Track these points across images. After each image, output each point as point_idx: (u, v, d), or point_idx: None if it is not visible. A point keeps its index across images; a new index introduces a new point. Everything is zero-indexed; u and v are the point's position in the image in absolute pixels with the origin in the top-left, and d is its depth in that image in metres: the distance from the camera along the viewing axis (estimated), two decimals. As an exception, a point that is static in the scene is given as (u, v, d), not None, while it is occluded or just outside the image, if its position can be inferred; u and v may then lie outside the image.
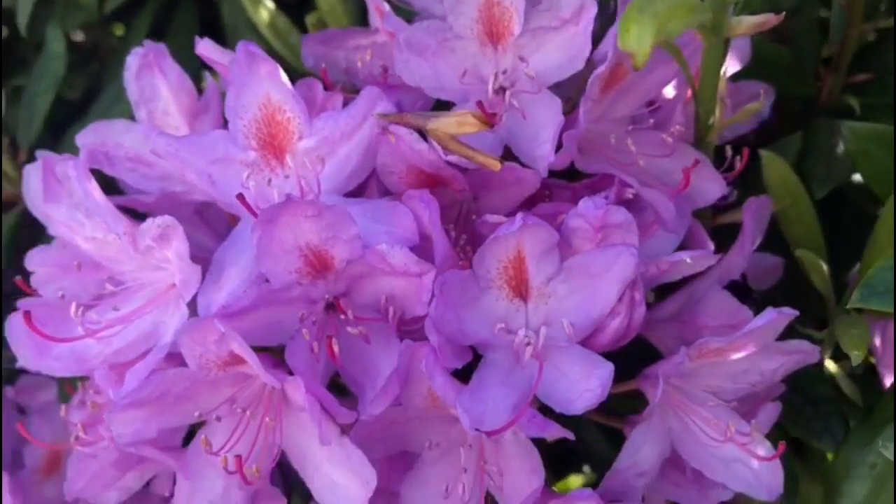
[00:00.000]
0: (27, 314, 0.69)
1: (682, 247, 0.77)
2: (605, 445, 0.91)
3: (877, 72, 0.99)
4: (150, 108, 0.78)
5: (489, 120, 0.65)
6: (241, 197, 0.65)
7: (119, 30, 1.39)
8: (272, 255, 0.65)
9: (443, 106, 0.76)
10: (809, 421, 0.86)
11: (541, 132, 0.69)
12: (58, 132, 1.17)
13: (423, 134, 0.69)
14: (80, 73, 1.33)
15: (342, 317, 0.68)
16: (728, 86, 0.81)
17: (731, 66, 0.82)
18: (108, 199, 0.76)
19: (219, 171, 0.70)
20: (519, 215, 0.64)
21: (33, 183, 0.73)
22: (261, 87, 0.70)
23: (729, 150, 0.78)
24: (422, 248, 0.68)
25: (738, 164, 0.77)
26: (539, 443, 0.69)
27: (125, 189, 0.83)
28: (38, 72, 1.12)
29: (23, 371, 1.08)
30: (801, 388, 0.87)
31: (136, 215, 0.84)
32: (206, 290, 0.67)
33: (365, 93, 0.70)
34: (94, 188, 0.66)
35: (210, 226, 0.84)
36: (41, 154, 0.73)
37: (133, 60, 0.77)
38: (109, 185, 0.82)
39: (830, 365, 0.89)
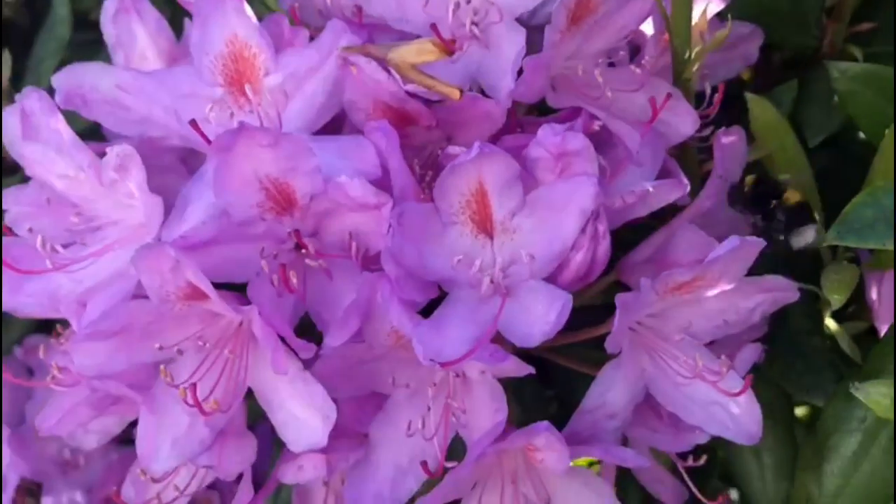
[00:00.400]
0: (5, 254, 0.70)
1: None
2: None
3: (880, 21, 0.96)
4: (128, 52, 0.79)
5: (448, 47, 0.64)
6: (193, 122, 0.65)
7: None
8: (230, 186, 0.65)
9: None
10: (801, 376, 0.84)
11: (503, 63, 0.68)
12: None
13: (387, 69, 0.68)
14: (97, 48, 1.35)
15: (303, 251, 0.67)
16: (711, 23, 0.79)
17: (713, 3, 0.80)
18: (86, 144, 0.77)
19: (185, 107, 0.70)
20: (476, 144, 0.63)
21: (12, 125, 0.74)
22: (227, 22, 0.70)
23: (708, 89, 0.76)
24: (387, 183, 0.68)
25: (716, 101, 0.75)
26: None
27: (108, 137, 0.84)
28: (43, 36, 1.14)
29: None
30: (793, 341, 0.85)
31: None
32: (170, 225, 0.68)
33: (329, 26, 0.70)
34: (59, 121, 0.67)
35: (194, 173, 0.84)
36: (22, 95, 0.74)
37: (110, 4, 0.78)
38: (93, 132, 0.83)
39: (831, 323, 0.87)
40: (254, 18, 0.70)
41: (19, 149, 0.73)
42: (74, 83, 0.76)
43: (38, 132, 0.69)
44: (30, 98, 0.68)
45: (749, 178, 0.72)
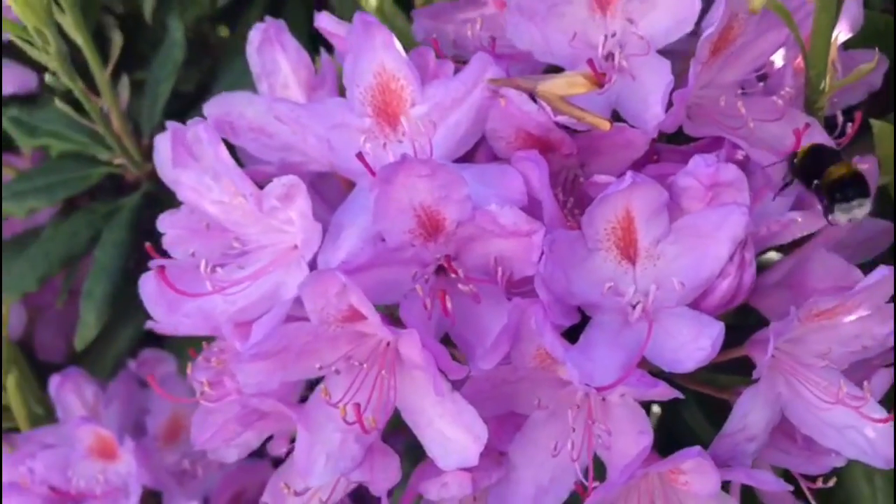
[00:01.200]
0: (161, 269, 0.73)
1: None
2: (708, 431, 0.90)
3: None
4: (272, 81, 0.82)
5: (599, 80, 0.66)
6: (360, 156, 0.68)
7: (225, 32, 1.45)
8: (388, 214, 0.67)
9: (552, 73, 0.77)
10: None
11: (650, 94, 0.70)
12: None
13: (533, 98, 0.71)
14: (193, 68, 1.39)
15: (453, 276, 0.70)
16: (839, 53, 0.81)
17: (842, 33, 0.81)
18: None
19: (337, 137, 0.73)
20: (629, 173, 0.65)
21: (163, 150, 0.78)
22: (376, 55, 0.73)
23: (840, 118, 0.77)
24: (529, 211, 0.70)
25: (850, 131, 0.76)
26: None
27: (244, 162, 0.88)
28: (159, 59, 1.19)
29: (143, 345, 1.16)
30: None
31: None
32: (326, 250, 0.71)
33: (475, 59, 0.72)
34: (224, 150, 0.70)
35: (324, 198, 0.87)
36: (171, 124, 0.78)
37: (255, 35, 0.81)
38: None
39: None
40: (402, 52, 0.73)
41: (172, 174, 0.77)
42: (223, 111, 0.79)
43: (201, 160, 0.73)
44: (197, 128, 0.71)
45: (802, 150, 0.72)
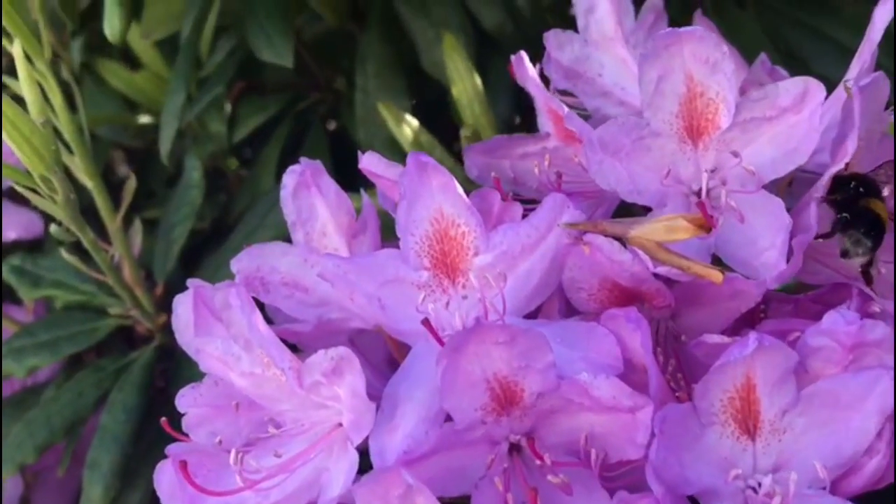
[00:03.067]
0: (183, 464, 0.61)
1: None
2: None
3: None
4: (308, 228, 0.71)
5: (708, 223, 0.56)
6: (426, 322, 0.57)
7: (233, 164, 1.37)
8: (458, 389, 0.56)
9: (626, 212, 0.67)
10: None
11: (761, 237, 0.59)
12: (188, 264, 1.13)
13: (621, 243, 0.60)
14: (209, 203, 1.30)
15: (538, 462, 0.58)
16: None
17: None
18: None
19: (390, 294, 0.62)
20: (752, 335, 0.54)
21: (183, 314, 0.67)
22: (433, 200, 0.63)
23: None
24: (624, 378, 0.58)
25: None
26: None
27: (273, 318, 0.76)
28: (175, 201, 1.10)
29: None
30: None
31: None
32: (379, 432, 0.58)
33: (549, 200, 0.62)
34: (259, 318, 0.59)
35: (364, 355, 0.76)
36: (193, 283, 0.67)
37: (290, 179, 0.71)
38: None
39: None
40: (463, 194, 0.63)
41: (193, 342, 0.66)
42: (254, 266, 0.69)
43: (231, 327, 0.62)
44: (228, 292, 0.60)
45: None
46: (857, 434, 0.55)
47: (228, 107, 1.32)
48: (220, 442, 0.62)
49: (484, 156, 0.75)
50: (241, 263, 0.68)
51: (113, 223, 1.00)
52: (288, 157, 1.26)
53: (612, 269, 0.60)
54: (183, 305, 0.68)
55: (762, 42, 1.00)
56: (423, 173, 0.63)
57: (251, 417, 0.64)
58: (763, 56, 0.78)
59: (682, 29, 0.58)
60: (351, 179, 0.80)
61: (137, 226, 1.06)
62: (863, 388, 0.55)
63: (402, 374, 0.61)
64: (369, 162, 0.68)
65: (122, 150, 1.52)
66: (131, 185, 1.00)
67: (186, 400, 0.66)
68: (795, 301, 0.64)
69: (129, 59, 1.34)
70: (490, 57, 1.09)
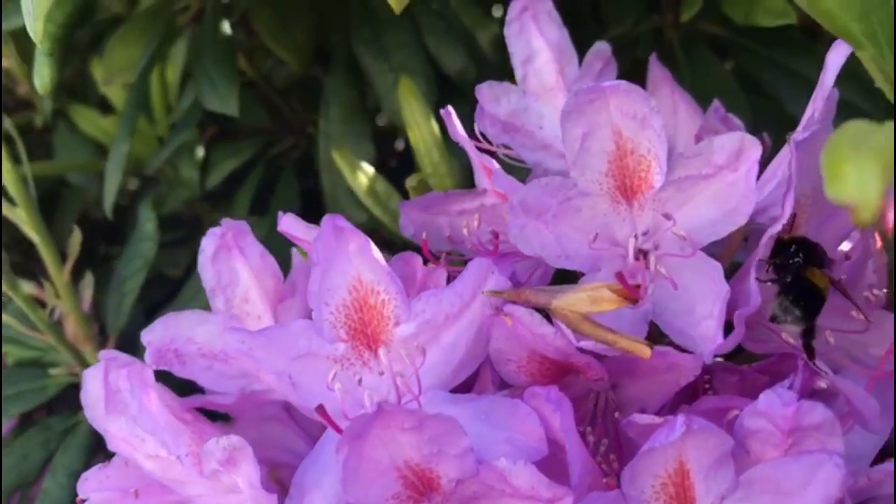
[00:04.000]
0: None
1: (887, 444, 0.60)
2: None
3: None
4: (228, 294, 0.67)
5: (632, 294, 0.51)
6: (320, 409, 0.52)
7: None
8: (363, 479, 0.51)
9: (566, 277, 0.63)
10: None
11: (698, 305, 0.54)
12: (153, 314, 1.10)
13: (546, 313, 0.56)
14: (183, 250, 1.27)
15: (456, 554, 0.53)
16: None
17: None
18: (184, 402, 0.65)
19: (301, 370, 0.58)
20: (680, 418, 0.49)
21: (93, 390, 0.63)
22: (350, 265, 0.59)
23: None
24: (552, 459, 0.53)
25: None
26: None
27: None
28: (128, 253, 1.06)
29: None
30: None
31: (217, 417, 0.73)
32: (286, 523, 0.54)
33: (473, 266, 0.58)
34: (152, 400, 0.55)
35: (301, 425, 0.71)
36: (107, 355, 0.63)
37: (209, 242, 0.67)
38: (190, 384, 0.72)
39: None
40: (381, 259, 0.58)
41: (102, 422, 0.62)
42: (167, 338, 0.65)
43: (128, 407, 0.57)
44: (117, 370, 0.56)
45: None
46: (800, 525, 0.50)
47: (202, 152, 1.29)
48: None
49: (421, 212, 0.71)
50: (153, 335, 0.64)
51: (60, 277, 0.97)
52: (260, 203, 1.23)
53: (535, 342, 0.55)
54: (93, 380, 0.63)
55: (730, 83, 0.95)
56: (340, 237, 0.59)
57: (161, 502, 0.60)
58: (716, 103, 0.73)
59: (606, 83, 0.54)
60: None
61: (88, 279, 1.03)
62: (804, 475, 0.49)
63: (311, 459, 0.57)
64: (287, 224, 0.64)
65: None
66: (76, 238, 0.97)
67: (89, 484, 0.61)
68: (741, 373, 0.59)
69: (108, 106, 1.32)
70: (453, 103, 1.06)
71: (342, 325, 0.59)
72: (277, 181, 1.26)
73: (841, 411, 0.57)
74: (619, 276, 0.52)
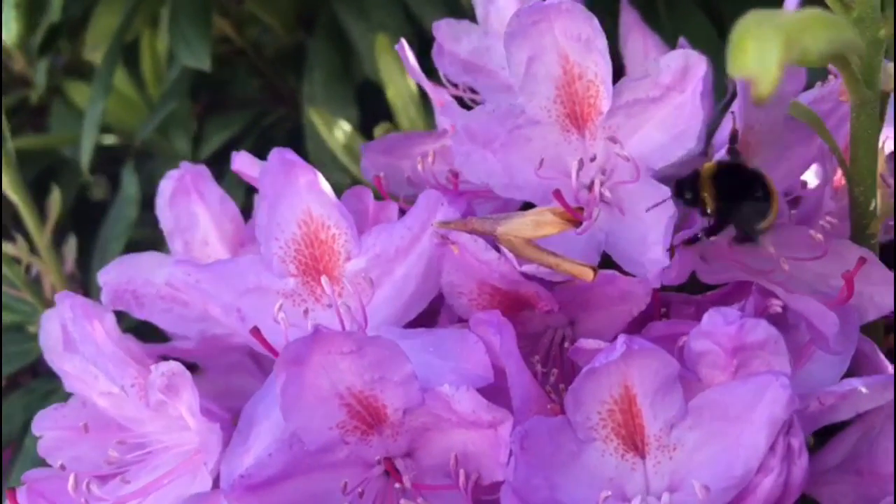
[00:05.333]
0: (34, 491, 0.57)
1: (850, 373, 0.58)
2: None
3: None
4: (187, 237, 0.67)
5: (574, 216, 0.50)
6: (255, 331, 0.52)
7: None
8: (303, 405, 0.50)
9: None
10: None
11: (649, 232, 0.53)
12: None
13: (496, 244, 0.55)
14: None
15: (397, 486, 0.52)
16: (889, 163, 0.64)
17: (889, 137, 0.64)
18: (146, 348, 0.65)
19: (251, 304, 0.58)
20: (621, 338, 0.48)
21: (52, 331, 0.63)
22: (300, 200, 0.58)
23: (903, 244, 0.60)
24: (501, 389, 0.53)
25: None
26: None
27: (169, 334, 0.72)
28: (112, 216, 1.06)
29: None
30: None
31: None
32: (232, 454, 0.54)
33: (422, 198, 0.57)
34: (96, 329, 0.55)
35: (267, 374, 0.71)
36: (61, 297, 0.63)
37: (166, 185, 0.67)
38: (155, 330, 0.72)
39: None
40: (331, 194, 0.58)
41: (59, 362, 0.61)
42: (124, 279, 0.64)
43: (76, 343, 0.57)
44: (62, 304, 0.56)
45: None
46: (747, 449, 0.49)
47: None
48: (63, 467, 0.58)
49: (383, 155, 0.70)
50: (108, 275, 0.64)
51: (41, 239, 0.97)
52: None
53: (481, 270, 0.54)
54: (51, 321, 0.63)
55: (710, 34, 0.94)
56: (289, 171, 0.58)
57: (108, 441, 0.60)
58: (682, 41, 0.72)
59: (549, 2, 0.53)
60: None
61: (72, 243, 1.03)
62: (750, 397, 0.48)
63: (262, 392, 0.56)
64: (241, 163, 0.63)
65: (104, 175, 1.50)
66: (55, 199, 0.97)
67: (45, 423, 0.61)
68: (697, 303, 0.58)
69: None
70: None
71: (292, 259, 0.58)
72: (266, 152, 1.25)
73: (802, 341, 0.56)
74: (556, 195, 0.51)
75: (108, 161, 1.37)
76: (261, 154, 1.28)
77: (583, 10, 0.52)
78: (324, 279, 0.56)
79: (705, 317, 0.49)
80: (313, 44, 1.14)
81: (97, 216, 1.32)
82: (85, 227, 1.13)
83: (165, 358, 0.67)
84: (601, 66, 0.54)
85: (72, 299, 0.55)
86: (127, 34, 1.10)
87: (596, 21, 0.52)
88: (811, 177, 0.61)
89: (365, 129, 1.06)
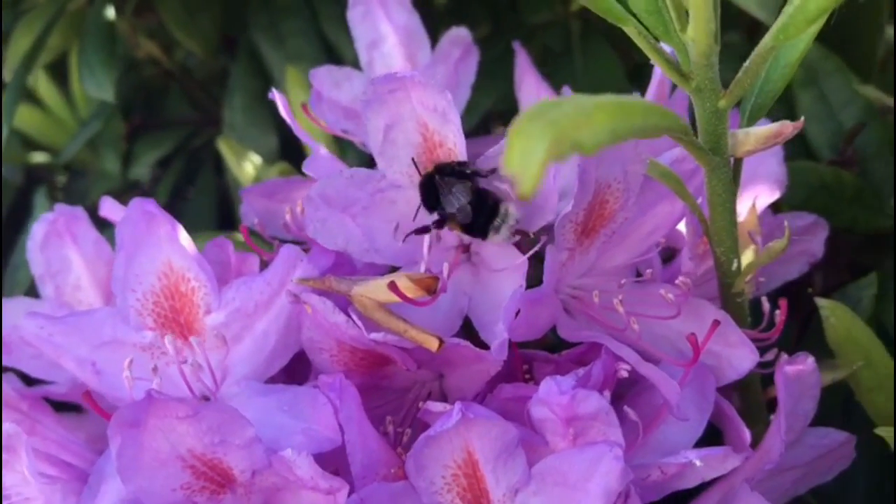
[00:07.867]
0: None
1: (713, 433, 0.58)
2: None
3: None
4: (59, 281, 0.66)
5: (428, 284, 0.50)
6: (86, 395, 0.51)
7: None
8: (143, 467, 0.50)
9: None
10: None
11: (497, 301, 0.53)
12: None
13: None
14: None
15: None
16: (766, 220, 0.65)
17: (762, 196, 0.65)
18: (28, 392, 0.64)
19: (106, 358, 0.57)
20: (457, 406, 0.48)
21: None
22: (159, 251, 0.57)
23: (766, 303, 0.60)
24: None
25: (778, 320, 0.59)
26: None
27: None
28: (22, 242, 1.04)
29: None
30: None
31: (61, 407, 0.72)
32: (78, 513, 0.53)
33: (282, 253, 0.56)
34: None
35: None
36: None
37: (39, 228, 0.66)
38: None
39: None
40: (191, 246, 0.57)
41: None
42: (-10, 325, 0.63)
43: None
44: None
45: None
46: (585, 518, 0.49)
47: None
48: None
49: (262, 199, 0.70)
50: (-27, 322, 0.63)
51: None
52: (180, 195, 1.22)
53: (333, 330, 0.54)
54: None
55: (619, 76, 0.94)
56: (150, 222, 0.57)
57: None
58: (565, 90, 0.72)
59: (404, 74, 0.52)
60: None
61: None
62: (586, 467, 0.48)
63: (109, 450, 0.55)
64: (107, 209, 0.62)
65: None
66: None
67: None
68: (556, 362, 0.57)
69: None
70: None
71: (149, 312, 0.57)
72: (196, 176, 1.25)
73: (654, 404, 0.56)
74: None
75: (37, 180, 1.36)
76: (190, 176, 1.28)
77: (434, 84, 0.52)
78: (168, 338, 0.55)
79: (542, 384, 0.49)
80: (235, 69, 1.13)
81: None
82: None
83: (47, 399, 0.66)
84: (458, 137, 0.54)
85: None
86: (44, 55, 1.09)
87: (449, 95, 0.52)
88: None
89: (287, 156, 1.06)
